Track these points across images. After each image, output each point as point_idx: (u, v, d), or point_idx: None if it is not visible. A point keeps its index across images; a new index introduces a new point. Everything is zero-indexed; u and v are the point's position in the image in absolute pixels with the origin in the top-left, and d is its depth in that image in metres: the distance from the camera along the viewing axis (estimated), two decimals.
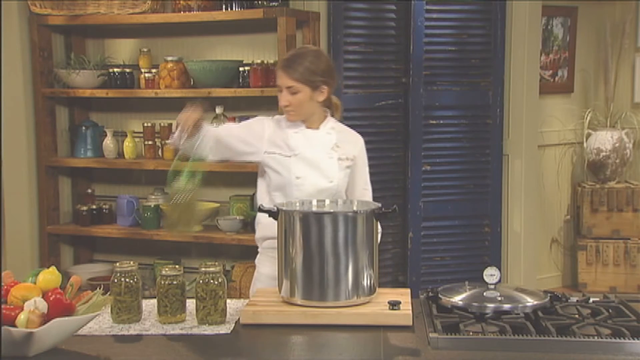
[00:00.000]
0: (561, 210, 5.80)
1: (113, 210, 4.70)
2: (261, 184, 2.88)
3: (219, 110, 4.32)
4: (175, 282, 2.35)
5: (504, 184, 4.87)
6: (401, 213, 4.64)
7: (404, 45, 4.61)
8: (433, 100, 4.66)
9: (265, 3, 4.19)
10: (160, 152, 4.53)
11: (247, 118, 4.13)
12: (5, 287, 2.11)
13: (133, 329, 2.29)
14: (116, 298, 2.33)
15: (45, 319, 2.02)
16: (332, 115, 2.91)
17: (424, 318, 2.29)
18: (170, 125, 4.51)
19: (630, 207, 5.50)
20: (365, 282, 2.38)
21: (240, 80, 4.30)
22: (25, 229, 4.61)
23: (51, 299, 2.06)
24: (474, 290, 2.35)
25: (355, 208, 2.54)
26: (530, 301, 2.28)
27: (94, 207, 4.66)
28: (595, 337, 2.07)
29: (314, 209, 2.56)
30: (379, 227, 2.48)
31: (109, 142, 4.61)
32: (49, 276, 2.15)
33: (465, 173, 4.76)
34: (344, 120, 4.28)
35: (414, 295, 2.48)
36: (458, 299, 2.31)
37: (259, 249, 2.94)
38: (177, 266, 2.41)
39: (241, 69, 4.30)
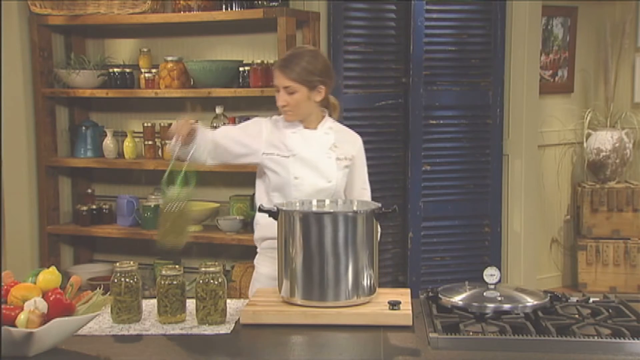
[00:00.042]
0: (561, 210, 5.81)
1: (113, 210, 4.70)
2: (259, 185, 2.88)
3: (219, 110, 4.32)
4: (175, 282, 2.35)
5: (504, 184, 4.87)
6: (401, 213, 4.64)
7: (404, 45, 4.61)
8: (433, 100, 4.66)
9: (265, 3, 4.19)
10: (160, 152, 4.52)
11: (247, 118, 4.14)
12: (5, 287, 2.11)
13: (133, 329, 2.29)
14: (116, 298, 2.33)
15: (45, 319, 2.02)
16: (330, 115, 2.90)
17: (424, 318, 2.29)
18: (170, 125, 4.50)
19: (630, 207, 5.50)
20: (365, 282, 2.38)
21: (240, 80, 4.30)
22: (25, 229, 4.61)
23: (51, 299, 2.06)
24: (474, 290, 2.35)
25: (355, 208, 2.54)
26: (530, 301, 2.28)
27: (94, 207, 4.66)
28: (595, 337, 2.07)
29: (314, 209, 2.56)
30: (379, 227, 2.48)
31: (109, 142, 4.61)
32: (49, 276, 2.15)
33: (465, 173, 4.76)
34: (343, 120, 4.32)
35: (414, 295, 2.48)
36: (458, 299, 2.31)
37: (258, 249, 2.94)
38: (177, 266, 2.41)
39: (241, 69, 4.30)
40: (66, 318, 2.04)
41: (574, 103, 5.78)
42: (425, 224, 4.71)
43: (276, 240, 2.63)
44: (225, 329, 2.28)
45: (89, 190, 4.79)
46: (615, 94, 5.70)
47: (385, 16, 4.60)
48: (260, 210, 2.55)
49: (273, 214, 2.47)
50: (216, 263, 2.38)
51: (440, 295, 2.36)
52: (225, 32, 4.52)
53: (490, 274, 2.35)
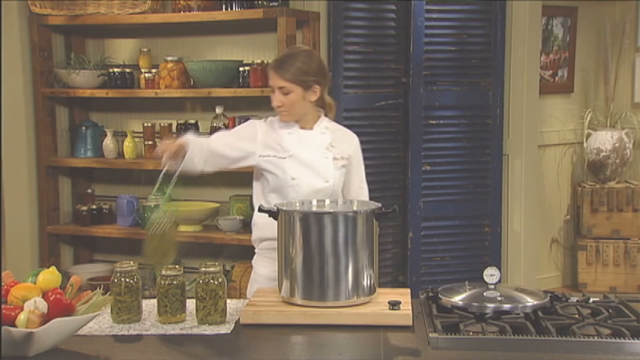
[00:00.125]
0: (561, 210, 5.80)
1: (113, 210, 4.70)
2: (256, 186, 2.88)
3: (219, 110, 4.32)
4: (175, 282, 2.35)
5: (504, 184, 4.87)
6: (401, 213, 4.64)
7: (404, 45, 4.61)
8: (433, 100, 4.66)
9: (265, 3, 4.19)
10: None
11: (247, 118, 4.15)
12: (5, 287, 2.11)
13: (133, 329, 2.29)
14: (116, 298, 2.33)
15: (45, 319, 2.02)
16: (326, 115, 2.90)
17: (424, 318, 2.29)
18: (170, 125, 4.52)
19: (630, 207, 5.50)
20: (365, 282, 2.38)
21: (240, 80, 4.30)
22: (25, 229, 4.61)
23: (51, 299, 2.06)
24: (474, 290, 2.35)
25: (355, 208, 2.54)
26: (530, 301, 2.28)
27: (94, 207, 4.66)
28: (595, 337, 2.07)
29: (314, 209, 2.56)
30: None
31: (109, 142, 4.61)
32: (49, 276, 2.15)
33: (465, 173, 4.76)
34: (344, 120, 4.33)
35: (414, 295, 2.48)
36: (458, 299, 2.31)
37: (256, 250, 2.94)
38: (177, 266, 2.41)
39: (241, 69, 4.30)
40: (66, 318, 2.04)
41: (574, 103, 5.78)
42: (425, 224, 4.71)
43: (274, 241, 2.64)
44: (225, 329, 2.28)
45: (89, 190, 4.79)
46: (615, 94, 5.70)
47: (385, 16, 4.60)
48: (260, 210, 2.55)
49: (273, 214, 2.47)
50: (216, 263, 2.38)
51: (440, 295, 2.36)
52: (225, 32, 4.52)
53: (490, 274, 2.35)
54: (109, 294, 2.29)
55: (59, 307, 2.05)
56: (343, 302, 2.35)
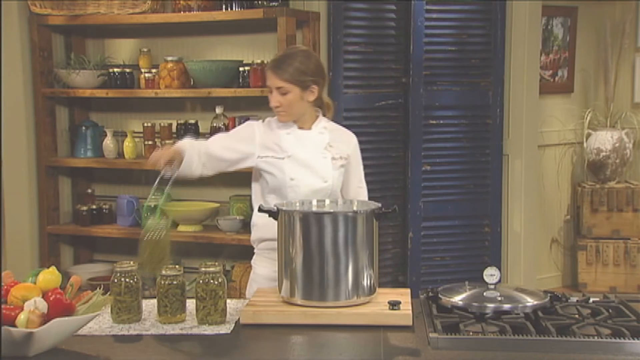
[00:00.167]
0: (561, 210, 5.80)
1: (113, 210, 4.70)
2: (255, 187, 2.88)
3: (219, 110, 4.32)
4: (175, 282, 2.35)
5: (504, 184, 4.87)
6: (401, 213, 4.64)
7: (404, 45, 4.61)
8: (433, 100, 4.66)
9: (265, 3, 4.19)
10: None
11: (247, 118, 4.16)
12: (5, 287, 2.11)
13: (133, 329, 2.29)
14: (116, 298, 2.33)
15: (45, 319, 2.02)
16: (324, 115, 2.90)
17: (424, 318, 2.29)
18: (170, 125, 4.52)
19: (630, 207, 5.50)
20: (365, 282, 2.38)
21: (240, 80, 4.30)
22: (25, 229, 4.61)
23: (51, 299, 2.06)
24: (474, 290, 2.35)
25: (355, 208, 2.54)
26: (530, 301, 2.28)
27: (94, 207, 4.66)
28: (595, 337, 2.07)
29: (314, 209, 2.56)
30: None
31: (109, 142, 4.61)
32: (49, 276, 2.16)
33: (465, 173, 4.76)
34: (343, 120, 4.33)
35: (414, 295, 2.48)
36: (458, 299, 2.31)
37: (255, 250, 2.94)
38: (177, 266, 2.41)
39: (241, 69, 4.30)
40: (66, 318, 2.04)
41: (574, 103, 5.78)
42: (425, 224, 4.71)
43: (273, 242, 2.64)
44: (225, 329, 2.28)
45: (89, 190, 4.79)
46: (615, 94, 5.70)
47: (385, 16, 4.60)
48: (260, 210, 2.56)
49: (273, 214, 2.47)
50: (216, 263, 2.38)
51: (440, 295, 2.36)
52: (225, 32, 4.52)
53: (490, 274, 2.35)
54: (109, 294, 2.29)
55: (59, 307, 2.05)
56: (343, 302, 2.35)
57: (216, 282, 2.32)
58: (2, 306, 2.03)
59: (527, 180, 4.95)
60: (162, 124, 4.51)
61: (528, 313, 2.24)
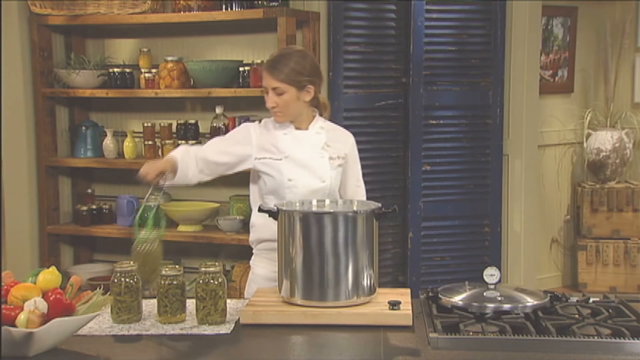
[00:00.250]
0: (561, 210, 5.80)
1: (113, 210, 4.70)
2: (253, 189, 2.88)
3: (219, 110, 4.32)
4: (175, 282, 2.35)
5: (504, 184, 4.87)
6: (401, 213, 4.64)
7: (404, 45, 4.61)
8: (433, 100, 4.66)
9: (265, 3, 4.19)
10: (160, 152, 4.52)
11: (247, 118, 4.16)
12: (5, 287, 2.11)
13: (133, 329, 2.29)
14: (116, 298, 2.33)
15: (45, 319, 2.02)
16: (321, 115, 2.90)
17: (424, 318, 2.29)
18: (170, 125, 4.52)
19: (630, 207, 5.50)
20: (365, 282, 2.38)
21: (240, 80, 4.30)
22: (25, 229, 4.61)
23: (51, 299, 2.06)
24: (474, 290, 2.35)
25: (355, 208, 2.54)
26: (530, 301, 2.28)
27: (94, 207, 4.65)
28: (595, 337, 2.07)
29: (314, 209, 2.56)
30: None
31: (109, 142, 4.61)
32: (49, 276, 2.16)
33: (465, 173, 4.76)
34: (344, 120, 4.33)
35: (414, 295, 2.48)
36: (458, 299, 2.31)
37: (254, 251, 2.94)
38: (177, 266, 2.41)
39: (241, 69, 4.30)
40: (66, 318, 2.04)
41: (574, 103, 5.78)
42: (425, 224, 4.71)
43: (272, 242, 2.65)
44: (225, 329, 2.28)
45: (89, 190, 4.79)
46: (615, 94, 5.70)
47: (385, 16, 4.60)
48: (260, 210, 2.56)
49: (273, 214, 2.47)
50: (216, 263, 2.38)
51: (440, 295, 2.36)
52: (225, 32, 4.52)
53: (490, 274, 2.35)
54: (109, 294, 2.29)
55: (59, 307, 2.05)
56: (343, 302, 2.35)
57: (216, 282, 2.32)
58: (2, 306, 2.03)
59: (527, 180, 4.95)
60: (162, 124, 4.51)
61: (528, 313, 2.24)
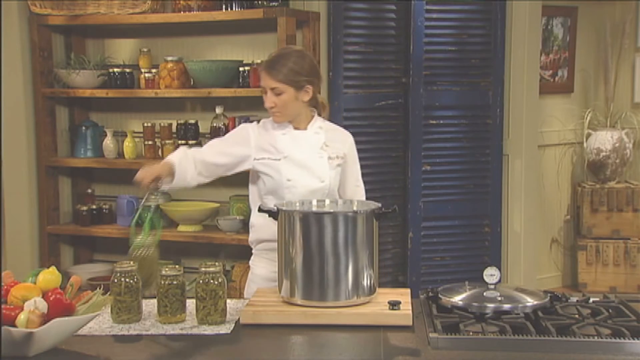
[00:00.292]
0: (561, 210, 5.80)
1: (113, 210, 4.70)
2: (252, 189, 2.88)
3: (219, 110, 4.32)
4: (175, 282, 2.35)
5: (504, 184, 4.87)
6: (401, 213, 4.64)
7: (404, 45, 4.61)
8: (433, 100, 4.66)
9: (265, 3, 4.19)
10: (160, 152, 4.52)
11: (247, 118, 4.16)
12: (5, 287, 2.11)
13: (133, 329, 2.29)
14: (116, 298, 2.33)
15: (45, 319, 2.02)
16: (320, 115, 2.90)
17: (424, 318, 2.29)
18: (170, 125, 4.52)
19: (630, 207, 5.50)
20: (365, 282, 2.38)
21: (240, 80, 4.30)
22: (25, 229, 4.61)
23: (51, 299, 2.06)
24: (474, 290, 2.35)
25: (355, 208, 2.54)
26: (530, 301, 2.28)
27: (94, 207, 4.66)
28: (595, 337, 2.07)
29: (314, 209, 2.56)
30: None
31: (109, 142, 4.61)
32: (49, 276, 2.15)
33: (465, 173, 4.76)
34: (344, 120, 4.33)
35: (414, 295, 2.48)
36: (458, 299, 2.31)
37: (253, 251, 2.93)
38: (177, 266, 2.41)
39: (241, 69, 4.30)
40: (66, 318, 2.04)
41: (574, 103, 5.78)
42: (425, 224, 4.71)
43: (271, 242, 2.65)
44: (225, 329, 2.28)
45: (89, 190, 4.79)
46: (615, 94, 5.70)
47: (385, 16, 4.60)
48: (261, 210, 2.56)
49: (273, 214, 2.47)
50: (216, 263, 2.38)
51: (440, 295, 2.36)
52: (225, 32, 4.52)
53: (490, 274, 2.35)
54: (109, 294, 2.29)
55: (59, 307, 2.05)
56: (343, 302, 2.35)
57: (216, 282, 2.32)
58: (2, 306, 2.03)
59: (527, 180, 4.95)
60: (162, 124, 4.51)
61: (528, 313, 2.24)
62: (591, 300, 2.43)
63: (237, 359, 2.10)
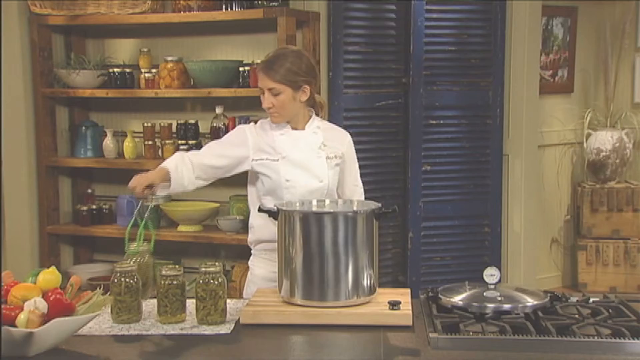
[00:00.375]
0: (561, 210, 5.80)
1: (113, 210, 4.70)
2: (251, 190, 2.88)
3: (219, 110, 4.32)
4: (175, 282, 2.35)
5: (504, 184, 4.87)
6: (401, 213, 4.64)
7: (404, 45, 4.61)
8: (433, 100, 4.66)
9: (265, 3, 4.19)
10: (160, 152, 4.53)
11: (247, 118, 4.16)
12: (5, 287, 2.11)
13: (133, 329, 2.29)
14: (116, 298, 2.33)
15: (45, 319, 2.02)
16: (317, 114, 2.90)
17: (424, 318, 2.29)
18: (170, 125, 4.52)
19: (630, 207, 5.50)
20: (365, 282, 2.38)
21: (240, 80, 4.30)
22: (25, 229, 4.61)
23: (51, 299, 2.06)
24: (474, 290, 2.35)
25: (355, 208, 2.54)
26: (530, 301, 2.28)
27: (94, 207, 4.66)
28: (595, 337, 2.07)
29: (314, 209, 2.56)
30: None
31: (109, 142, 4.61)
32: (49, 276, 2.16)
33: (465, 173, 4.76)
34: (344, 120, 4.33)
35: (414, 295, 2.48)
36: (458, 299, 2.31)
37: (252, 251, 2.93)
38: (177, 266, 2.41)
39: (241, 69, 4.30)
40: (66, 318, 2.04)
41: (574, 103, 5.78)
42: (425, 224, 4.71)
43: (270, 243, 2.65)
44: (225, 329, 2.28)
45: (89, 190, 4.79)
46: (615, 94, 5.70)
47: (385, 16, 4.60)
48: (261, 210, 2.56)
49: (273, 214, 2.47)
50: (216, 263, 2.38)
51: (440, 295, 2.36)
52: (225, 32, 4.52)
53: (490, 274, 2.35)
54: (109, 294, 2.29)
55: (59, 307, 2.05)
56: (343, 302, 2.35)
57: (216, 282, 2.32)
58: (2, 306, 2.03)
59: (527, 180, 4.96)
60: (162, 124, 4.52)
61: (528, 313, 2.24)
62: (591, 300, 2.43)
63: (237, 359, 2.10)
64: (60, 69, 4.58)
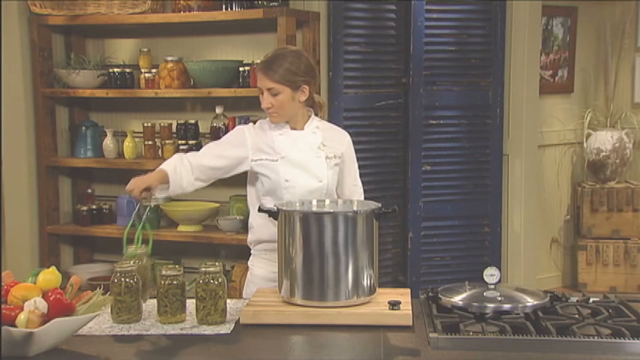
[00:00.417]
0: (561, 210, 5.80)
1: (113, 210, 4.70)
2: (250, 191, 2.88)
3: (219, 110, 4.32)
4: (175, 282, 2.35)
5: (504, 184, 4.87)
6: (401, 213, 4.64)
7: (404, 45, 4.61)
8: (433, 100, 4.66)
9: (265, 3, 4.19)
10: (160, 152, 4.53)
11: (247, 118, 4.16)
12: (5, 287, 2.11)
13: (133, 329, 2.29)
14: (116, 298, 2.33)
15: (45, 319, 2.02)
16: (317, 114, 2.90)
17: (424, 318, 2.29)
18: (170, 125, 4.52)
19: (630, 207, 5.50)
20: (365, 282, 2.38)
21: (240, 80, 4.30)
22: (25, 229, 4.61)
23: (51, 299, 2.06)
24: (474, 290, 2.35)
25: (355, 208, 2.54)
26: (530, 301, 2.28)
27: (94, 207, 4.66)
28: (595, 337, 2.07)
29: (314, 209, 2.56)
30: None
31: (109, 142, 4.61)
32: (49, 276, 2.16)
33: (465, 173, 4.76)
34: (344, 120, 4.33)
35: (414, 295, 2.48)
36: (458, 299, 2.31)
37: (252, 252, 2.93)
38: (177, 266, 2.41)
39: (241, 69, 4.30)
40: (66, 318, 2.04)
41: (574, 103, 5.78)
42: (425, 224, 4.71)
43: (270, 243, 2.65)
44: (225, 329, 2.28)
45: (89, 190, 4.79)
46: (615, 94, 5.70)
47: (385, 16, 4.60)
48: (261, 210, 2.56)
49: (273, 214, 2.47)
50: (216, 263, 2.38)
51: (440, 295, 2.36)
52: (225, 32, 4.52)
53: (490, 274, 2.35)
54: (109, 294, 2.29)
55: (59, 307, 2.05)
56: (343, 302, 2.35)
57: (216, 282, 2.32)
58: (2, 306, 2.03)
59: (527, 180, 4.96)
60: (162, 124, 4.52)
61: (528, 313, 2.24)
62: (591, 300, 2.43)
63: (237, 359, 2.10)
64: (60, 69, 4.58)
